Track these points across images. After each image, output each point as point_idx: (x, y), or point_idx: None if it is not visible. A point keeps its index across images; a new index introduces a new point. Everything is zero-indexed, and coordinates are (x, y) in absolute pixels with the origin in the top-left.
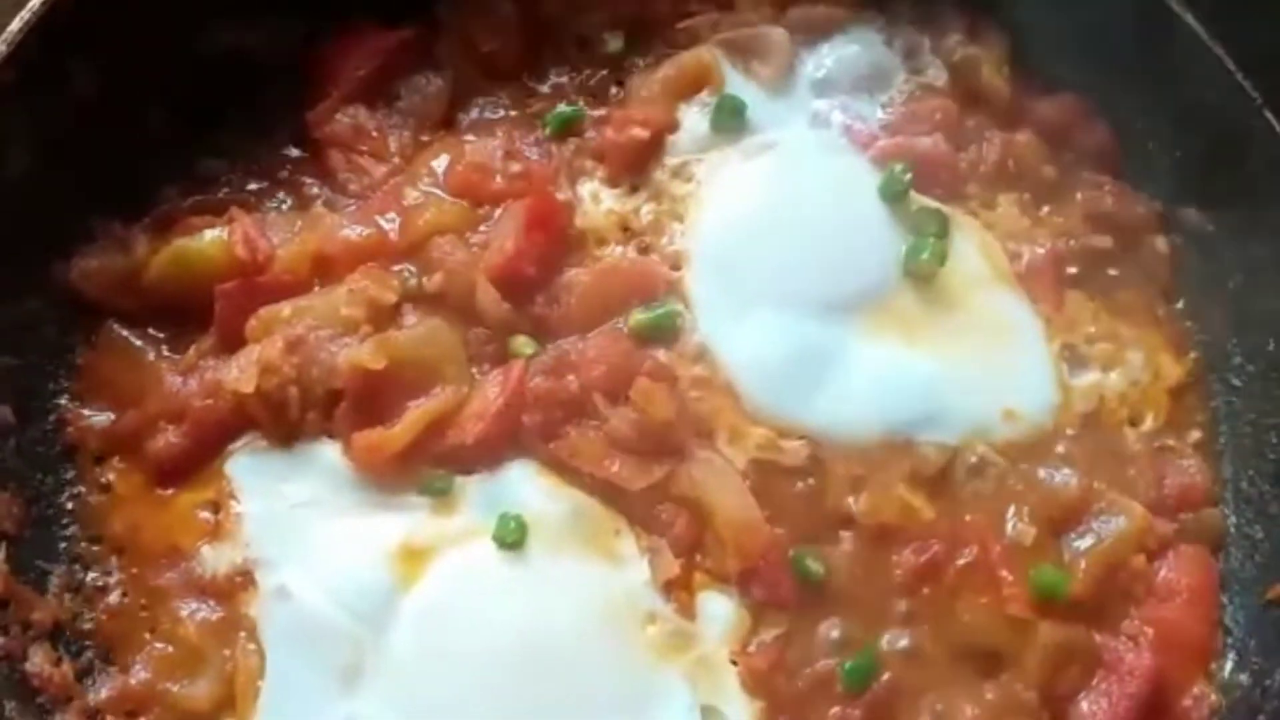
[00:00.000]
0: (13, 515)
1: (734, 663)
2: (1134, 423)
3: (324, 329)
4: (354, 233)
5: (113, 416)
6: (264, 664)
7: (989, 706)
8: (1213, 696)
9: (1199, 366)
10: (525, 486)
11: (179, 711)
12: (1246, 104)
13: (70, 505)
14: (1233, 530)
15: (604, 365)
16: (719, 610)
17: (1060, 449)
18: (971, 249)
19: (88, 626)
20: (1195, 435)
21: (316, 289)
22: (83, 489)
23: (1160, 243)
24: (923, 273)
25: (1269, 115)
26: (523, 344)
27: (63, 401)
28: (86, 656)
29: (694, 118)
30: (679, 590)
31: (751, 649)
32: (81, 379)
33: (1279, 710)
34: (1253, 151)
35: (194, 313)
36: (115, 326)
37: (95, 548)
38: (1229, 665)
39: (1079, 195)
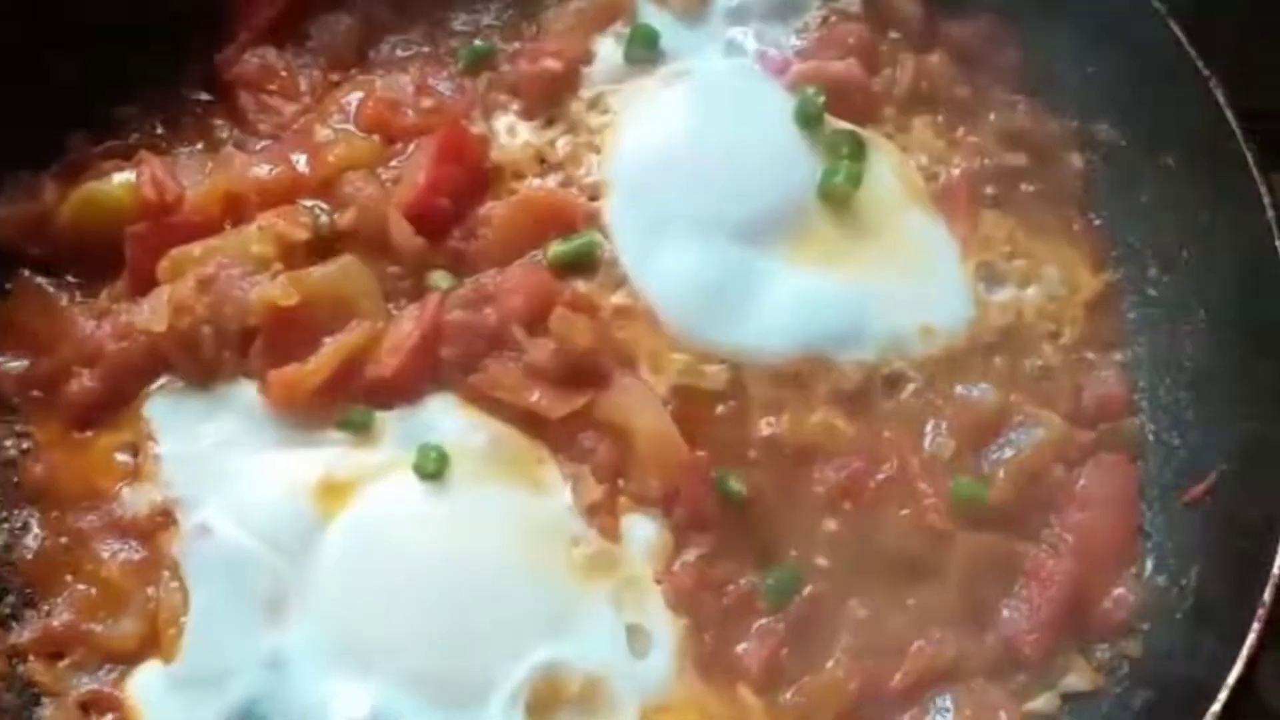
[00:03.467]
0: None
1: (658, 582)
2: (1052, 336)
3: (235, 267)
4: (264, 171)
5: (27, 363)
6: (187, 601)
7: (912, 615)
8: (1132, 598)
9: (1115, 279)
10: (445, 419)
11: (103, 651)
12: (1152, 17)
13: None
14: (1151, 438)
15: (522, 296)
16: (642, 532)
17: (978, 364)
18: (887, 171)
19: (8, 571)
20: (1113, 346)
21: (227, 229)
22: (1, 436)
23: (1075, 159)
24: (838, 195)
25: (1174, 27)
26: (439, 278)
27: None
28: (8, 600)
29: (608, 48)
30: (603, 514)
31: (676, 569)
32: None
33: (1194, 608)
34: (1159, 64)
35: (106, 257)
36: (27, 274)
37: (14, 493)
38: (1149, 567)
39: (993, 115)
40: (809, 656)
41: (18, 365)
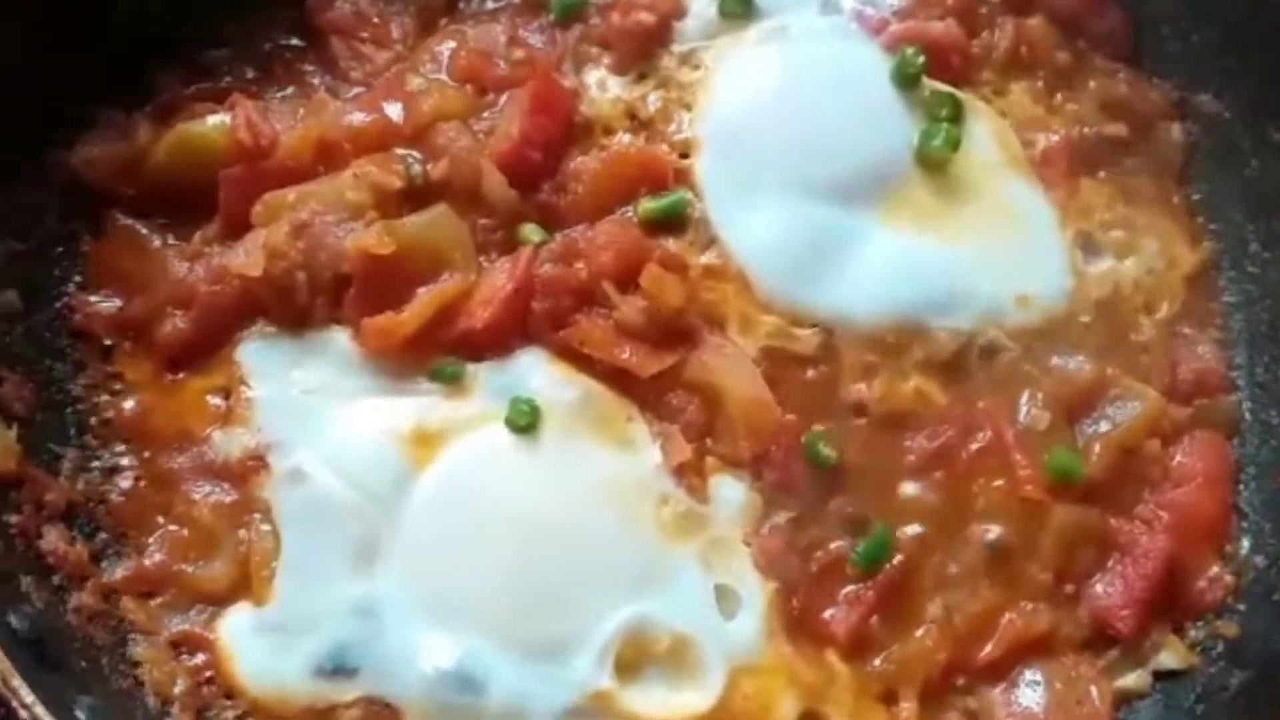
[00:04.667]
0: (23, 398)
1: (747, 544)
2: (1149, 310)
3: (330, 214)
4: (357, 119)
5: (120, 304)
6: (279, 545)
7: (1003, 587)
8: (1228, 578)
9: (1214, 253)
10: (536, 373)
11: (195, 592)
12: None
13: (80, 391)
14: (1248, 416)
15: (613, 252)
16: (731, 494)
17: (1074, 335)
18: (985, 135)
19: (101, 509)
20: (1211, 322)
21: (321, 175)
22: (93, 375)
23: (1175, 130)
24: (936, 159)
25: None
26: (530, 231)
27: (69, 289)
28: (100, 538)
29: (702, 3)
30: (691, 474)
31: (764, 531)
32: (88, 267)
33: None
34: (1267, 33)
35: (198, 199)
36: (119, 215)
37: (107, 433)
38: (1244, 547)
39: (1092, 83)
40: (898, 625)
41: (110, 306)
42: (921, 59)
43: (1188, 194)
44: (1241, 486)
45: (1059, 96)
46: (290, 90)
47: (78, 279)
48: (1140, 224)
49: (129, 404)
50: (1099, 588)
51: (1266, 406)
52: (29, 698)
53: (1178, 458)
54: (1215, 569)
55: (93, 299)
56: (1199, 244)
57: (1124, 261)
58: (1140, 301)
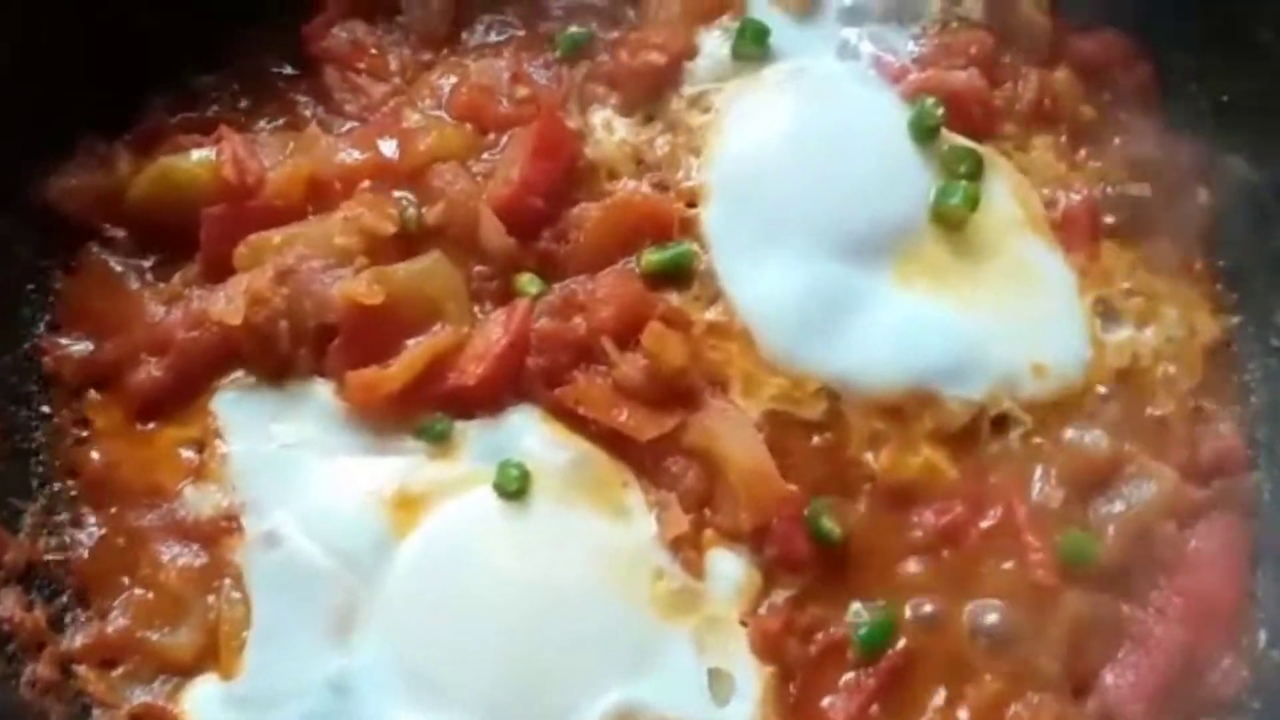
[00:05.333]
0: None
1: (744, 624)
2: (1169, 382)
3: (317, 259)
4: (350, 156)
5: (92, 346)
6: (250, 614)
7: (1009, 677)
8: (1243, 671)
9: (1237, 324)
10: (528, 434)
11: (159, 661)
12: None
13: (46, 440)
14: (1267, 498)
15: (614, 307)
16: (729, 569)
17: (1091, 408)
18: (1004, 193)
19: (61, 570)
20: (1231, 397)
21: (310, 216)
22: (59, 423)
23: (1202, 193)
24: (954, 217)
25: None
26: (528, 282)
27: (39, 329)
28: (60, 601)
29: (714, 43)
30: (688, 547)
31: (763, 611)
32: (59, 306)
33: None
34: None
35: (179, 237)
36: (95, 250)
37: (71, 485)
38: (1262, 639)
39: (1117, 139)
40: (899, 714)
41: (81, 349)
42: (941, 110)
43: (1212, 261)
44: (1260, 573)
45: (1083, 153)
46: (281, 121)
47: (47, 319)
48: (1161, 291)
49: (96, 454)
50: (1109, 679)
51: None
52: None
53: (1193, 542)
54: (1229, 663)
55: (63, 341)
56: (1220, 313)
57: (1143, 330)
58: (1160, 373)
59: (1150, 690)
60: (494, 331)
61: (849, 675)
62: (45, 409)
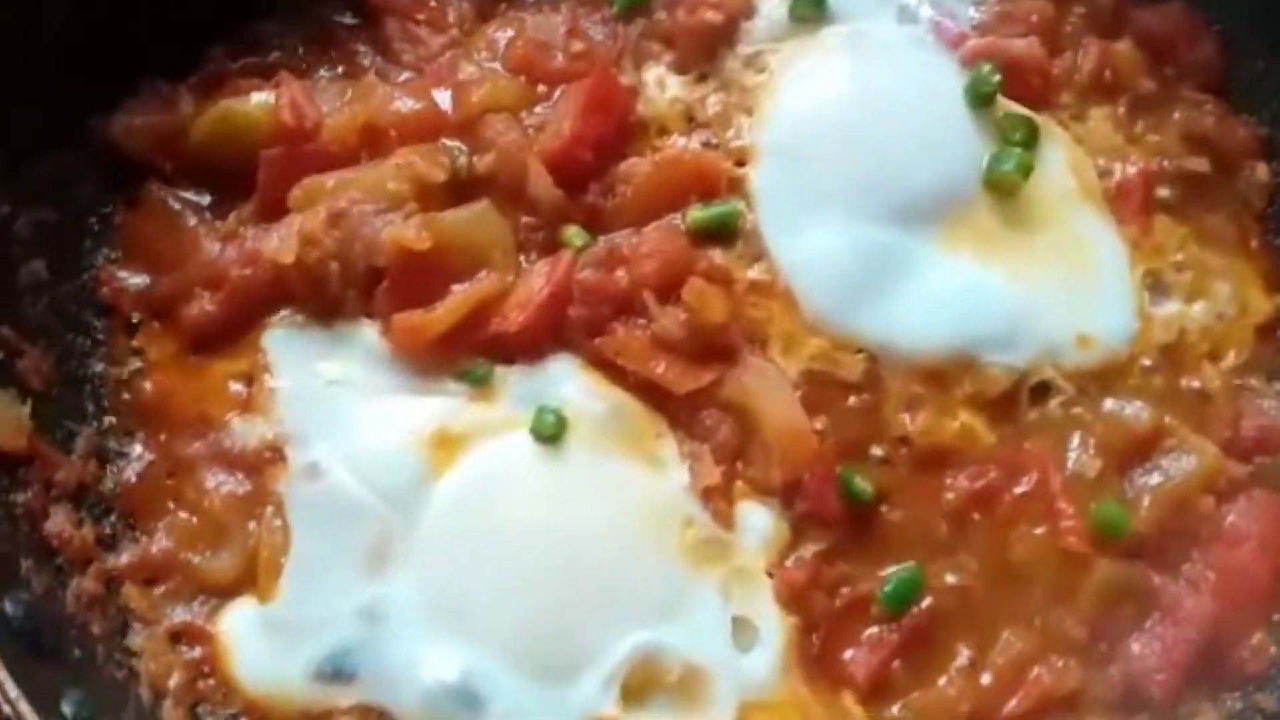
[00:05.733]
0: (42, 372)
1: (770, 575)
2: (1214, 358)
3: (369, 203)
4: (406, 105)
5: (149, 280)
6: (289, 541)
7: (1035, 640)
8: (1272, 649)
9: None
10: (567, 381)
11: (199, 583)
12: None
13: (101, 368)
14: None
15: (657, 261)
16: (758, 521)
17: (1133, 380)
18: (1059, 162)
19: (111, 491)
20: (1278, 375)
21: (364, 161)
22: (115, 352)
23: (1261, 170)
24: (1006, 185)
25: None
26: (574, 234)
27: (98, 261)
28: (108, 521)
29: (772, 4)
30: (718, 499)
31: (790, 563)
32: (119, 239)
33: None
34: None
35: (237, 178)
36: (155, 188)
37: (124, 412)
38: None
39: (1177, 114)
40: (921, 671)
41: (139, 282)
42: (998, 77)
43: (1268, 238)
44: None
45: (1140, 125)
46: (340, 70)
47: (107, 252)
48: (1214, 267)
49: (149, 384)
50: (1136, 647)
51: None
52: (13, 692)
53: (1231, 517)
54: (1259, 639)
55: (121, 274)
56: (1274, 291)
57: (1193, 305)
58: (1206, 348)
59: (1176, 661)
60: (538, 280)
61: (872, 630)
62: (102, 338)
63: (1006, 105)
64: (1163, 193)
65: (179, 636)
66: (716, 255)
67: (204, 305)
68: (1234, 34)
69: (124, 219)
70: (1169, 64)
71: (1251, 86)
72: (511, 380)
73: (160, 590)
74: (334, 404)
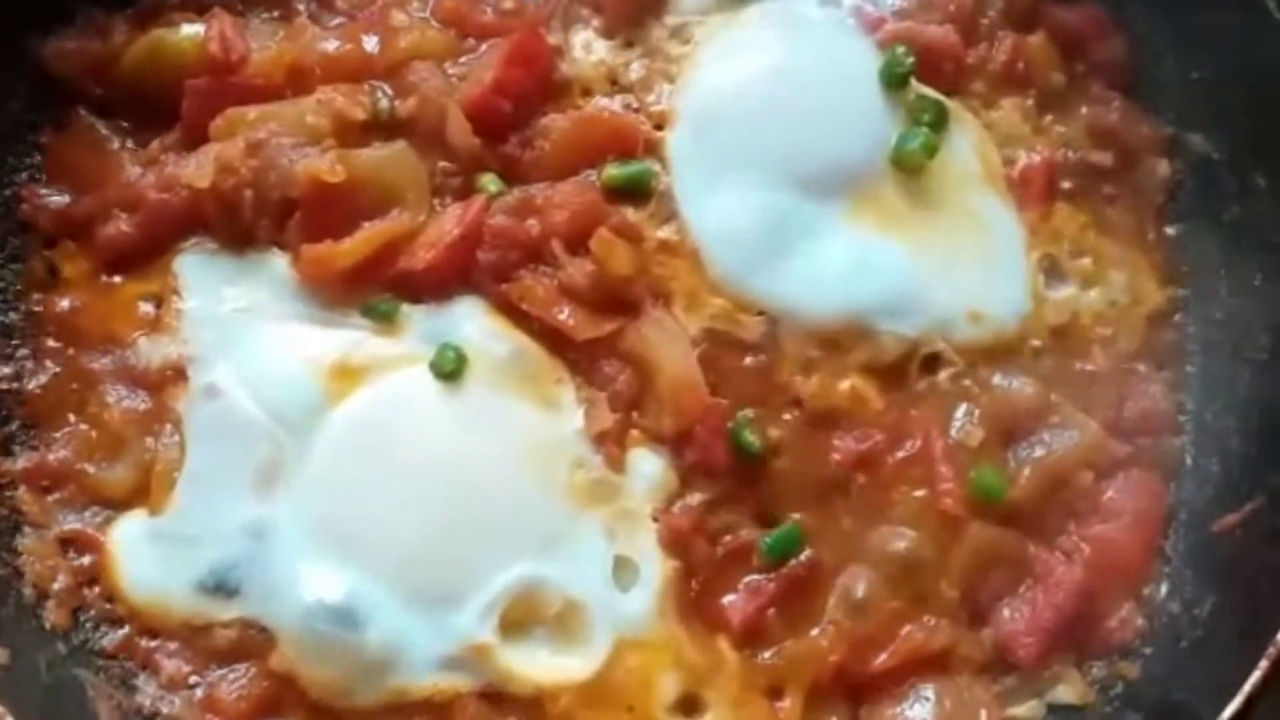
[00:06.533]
0: None
1: (655, 520)
2: (1105, 343)
3: (287, 136)
4: (332, 46)
5: (69, 199)
6: (184, 458)
7: (909, 598)
8: (1139, 621)
9: (1182, 295)
10: (470, 323)
11: (93, 493)
12: (1269, 28)
13: (15, 281)
14: (1189, 461)
15: (569, 213)
16: (648, 468)
17: (1023, 359)
18: (966, 146)
19: (14, 399)
20: (1166, 363)
21: (288, 98)
22: (30, 267)
23: (1162, 166)
24: (911, 163)
25: None
26: (489, 181)
27: (21, 177)
28: (8, 428)
29: None
30: (611, 444)
31: (675, 509)
32: (44, 160)
33: (1200, 640)
34: (1270, 81)
35: (163, 106)
36: (83, 112)
37: (34, 325)
38: (1162, 591)
39: (1084, 108)
40: (795, 621)
41: (59, 200)
42: (911, 60)
43: (1164, 232)
44: (1170, 531)
45: (1049, 117)
46: (275, 14)
47: (30, 170)
48: (1111, 256)
49: (61, 300)
50: (1006, 612)
51: (1209, 454)
52: None
53: (1109, 493)
54: (1128, 610)
55: (42, 191)
56: (1167, 283)
57: (1088, 291)
58: (1098, 333)
59: (1044, 627)
60: (449, 222)
61: (751, 578)
62: (18, 253)
63: (919, 88)
64: (1065, 183)
65: (68, 543)
66: (629, 213)
67: (120, 226)
68: (1144, 35)
69: (50, 140)
70: (1080, 60)
71: (1158, 87)
72: (416, 319)
73: (54, 497)
74: (239, 329)
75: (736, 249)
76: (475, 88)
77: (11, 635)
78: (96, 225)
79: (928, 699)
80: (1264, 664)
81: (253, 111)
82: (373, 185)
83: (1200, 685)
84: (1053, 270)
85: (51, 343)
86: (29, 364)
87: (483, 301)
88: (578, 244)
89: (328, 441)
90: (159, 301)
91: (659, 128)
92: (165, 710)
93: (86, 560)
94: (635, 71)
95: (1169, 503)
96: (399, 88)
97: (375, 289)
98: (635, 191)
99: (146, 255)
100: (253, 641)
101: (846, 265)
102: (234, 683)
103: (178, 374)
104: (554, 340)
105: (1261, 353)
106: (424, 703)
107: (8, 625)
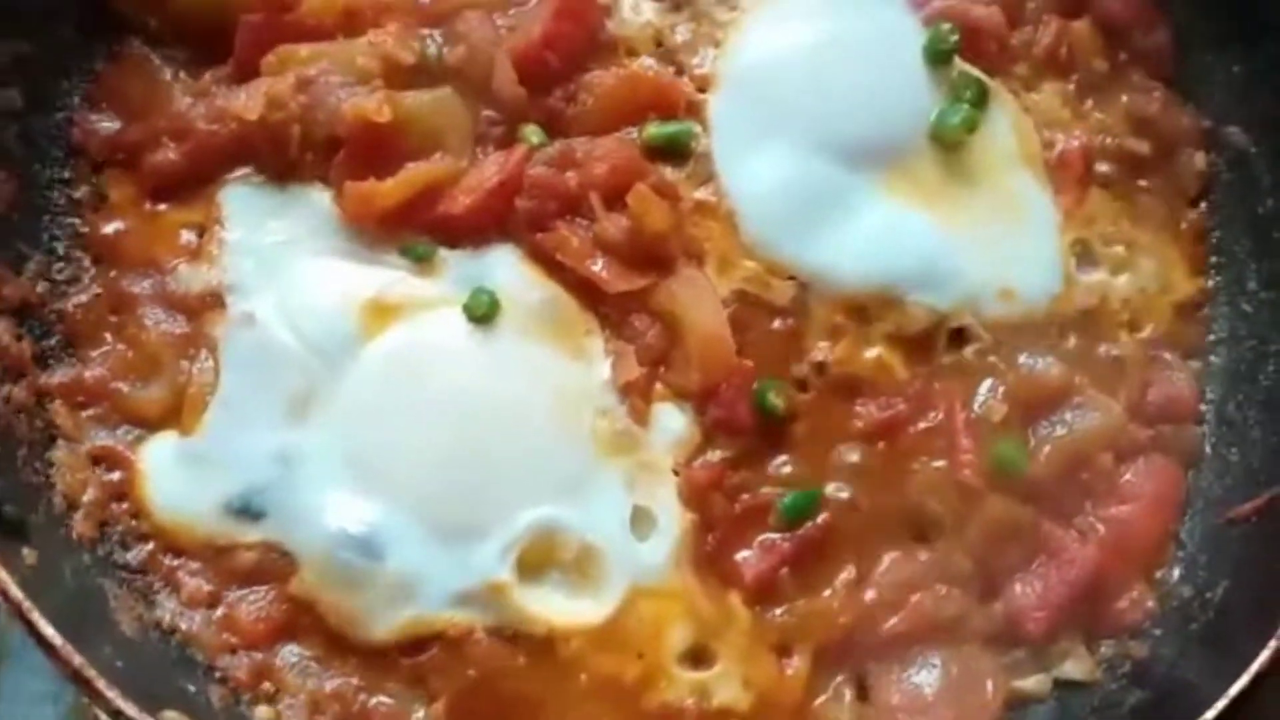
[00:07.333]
0: (3, 195)
1: (676, 473)
2: (1132, 329)
3: (336, 75)
4: None
5: (119, 126)
6: (218, 383)
7: (921, 568)
8: (1150, 602)
9: (1211, 286)
10: (505, 270)
11: (126, 412)
12: None
13: (62, 201)
14: (1209, 450)
15: (608, 167)
16: (672, 423)
17: (1050, 338)
18: (1005, 126)
19: (54, 316)
20: (1192, 352)
21: (339, 39)
22: (77, 189)
23: (1199, 158)
24: (950, 138)
25: None
26: (531, 132)
27: (74, 101)
28: (47, 344)
29: None
30: (636, 396)
31: (696, 465)
32: (96, 85)
33: (1210, 623)
34: None
35: (217, 40)
36: (137, 43)
37: (78, 246)
38: (1175, 575)
39: (1125, 96)
40: (807, 581)
41: (110, 126)
42: (955, 37)
43: (1197, 222)
44: (1186, 518)
45: (1089, 103)
46: None
47: (83, 96)
48: (1143, 243)
49: (106, 223)
50: (1018, 586)
51: (1229, 444)
52: None
53: (1128, 476)
54: (1139, 591)
55: (93, 117)
56: (1198, 274)
57: (1117, 277)
58: (1125, 319)
59: (1055, 602)
60: (490, 169)
61: (767, 536)
62: (67, 175)
63: (962, 66)
64: (1102, 168)
65: (99, 459)
66: (667, 172)
67: (168, 154)
68: (1188, 26)
69: (103, 67)
70: (1123, 48)
71: (1199, 78)
72: (452, 262)
73: (89, 413)
74: (279, 260)
75: (771, 213)
76: (523, 40)
77: (40, 540)
78: (144, 153)
79: (935, 666)
80: (1273, 643)
81: (305, 49)
82: (417, 128)
83: (1208, 667)
84: (1084, 254)
85: (94, 264)
86: (69, 283)
87: (518, 249)
88: (615, 199)
89: (360, 375)
90: (201, 230)
91: (701, 90)
92: (184, 626)
93: (116, 476)
94: (681, 34)
95: (1186, 489)
96: (448, 35)
97: (414, 230)
98: (674, 151)
99: (192, 184)
100: (274, 565)
101: (880, 235)
102: (253, 604)
103: (216, 301)
104: (586, 292)
105: None
106: (437, 636)
107: (37, 530)
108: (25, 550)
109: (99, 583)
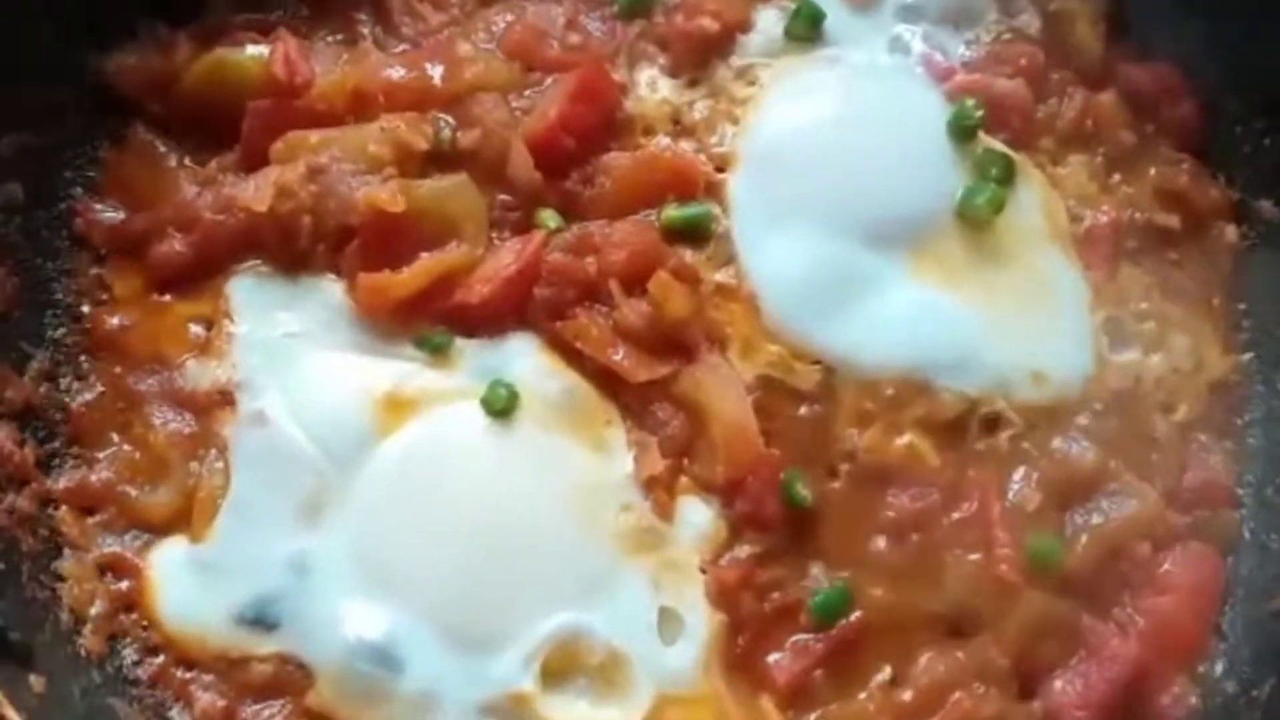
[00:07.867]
0: (4, 292)
1: (703, 571)
2: (1167, 410)
3: (348, 163)
4: (397, 73)
5: (123, 216)
6: (228, 485)
7: (957, 666)
8: (1194, 698)
9: (1246, 363)
10: (524, 360)
11: (134, 517)
12: None
13: (65, 297)
14: (1248, 536)
15: (627, 252)
16: (697, 517)
17: (1083, 421)
18: (1032, 202)
19: (58, 417)
20: (1228, 433)
21: (349, 124)
22: (81, 283)
23: (1230, 231)
24: (977, 217)
25: None
26: (548, 217)
27: (77, 192)
28: (51, 447)
29: (769, 20)
30: (660, 490)
31: (724, 562)
32: (100, 174)
33: None
34: None
35: (224, 126)
36: (142, 129)
37: (82, 342)
38: (1218, 669)
39: (1153, 169)
40: (842, 683)
41: (113, 216)
42: (980, 113)
43: (1230, 299)
44: (1227, 608)
45: (1116, 177)
46: (339, 37)
47: (86, 185)
48: (1175, 320)
49: (110, 317)
50: (1058, 684)
51: (1269, 529)
52: None
53: (1166, 565)
54: (1181, 687)
55: (97, 206)
56: (1232, 351)
57: (1151, 356)
58: (1159, 399)
59: (1096, 701)
60: (507, 256)
61: (799, 637)
62: (70, 267)
63: (987, 142)
64: (1131, 244)
65: (107, 567)
66: (687, 255)
67: (174, 245)
68: (1216, 98)
69: (107, 155)
70: (1150, 120)
71: (1228, 150)
72: (469, 352)
73: (95, 519)
74: (289, 355)
75: (794, 296)
76: (539, 122)
77: (47, 661)
78: (150, 243)
79: None
80: None
81: (315, 136)
82: (432, 216)
83: None
84: (1116, 333)
85: (99, 361)
86: (74, 381)
87: (537, 338)
88: (635, 284)
89: (375, 475)
90: (209, 324)
91: (720, 169)
92: None
93: (125, 585)
94: (699, 112)
95: (1226, 577)
96: (462, 118)
97: (429, 321)
98: (694, 233)
99: (199, 276)
100: (290, 678)
101: (906, 318)
102: (269, 719)
103: (225, 398)
104: (607, 381)
105: None
106: None
107: (44, 651)
108: (32, 678)
109: (109, 703)
